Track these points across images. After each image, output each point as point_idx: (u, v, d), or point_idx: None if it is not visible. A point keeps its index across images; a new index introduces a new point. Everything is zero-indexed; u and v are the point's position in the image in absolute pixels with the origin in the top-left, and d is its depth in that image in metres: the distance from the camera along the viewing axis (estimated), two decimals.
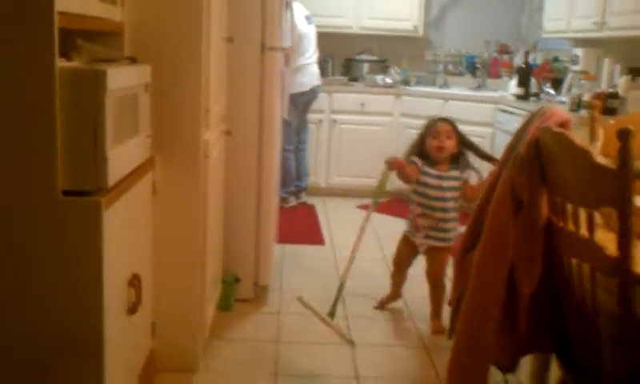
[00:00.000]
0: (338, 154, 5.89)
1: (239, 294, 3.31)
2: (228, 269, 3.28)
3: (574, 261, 1.73)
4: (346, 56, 6.33)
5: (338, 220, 5.20)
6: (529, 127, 1.94)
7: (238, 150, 3.24)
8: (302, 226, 4.96)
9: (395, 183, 5.81)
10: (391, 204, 5.85)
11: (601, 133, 2.43)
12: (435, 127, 3.26)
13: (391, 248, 4.45)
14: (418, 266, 3.41)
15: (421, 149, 3.30)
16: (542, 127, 1.84)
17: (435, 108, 5.67)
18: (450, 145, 3.22)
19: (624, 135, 1.49)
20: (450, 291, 2.23)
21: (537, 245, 1.86)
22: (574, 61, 4.81)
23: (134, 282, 2.08)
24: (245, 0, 3.19)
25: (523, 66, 5.15)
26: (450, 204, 3.23)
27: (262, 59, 3.26)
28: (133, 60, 2.28)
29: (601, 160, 1.56)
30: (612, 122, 2.69)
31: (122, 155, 1.92)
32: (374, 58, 6.30)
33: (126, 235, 2.02)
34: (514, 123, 4.80)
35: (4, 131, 1.68)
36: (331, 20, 5.82)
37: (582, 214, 1.68)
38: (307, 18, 5.24)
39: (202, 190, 2.51)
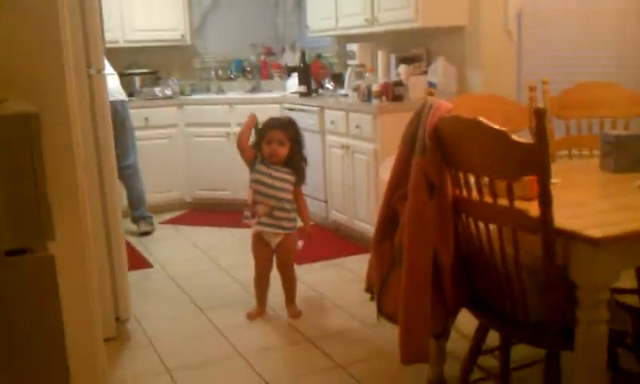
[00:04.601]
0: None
1: None
2: None
3: (491, 227, 2.02)
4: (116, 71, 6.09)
5: (151, 239, 5.07)
6: (421, 119, 2.18)
7: None
8: None
9: (195, 193, 5.88)
10: (192, 214, 5.85)
11: None
12: (269, 134, 3.40)
13: (220, 256, 4.54)
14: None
15: (258, 149, 3.44)
16: (441, 117, 2.10)
17: (223, 114, 5.78)
18: (282, 152, 3.39)
19: (539, 114, 1.80)
20: (368, 276, 2.40)
21: (450, 220, 2.13)
22: (350, 56, 5.26)
23: None
24: None
25: (301, 65, 5.48)
26: (282, 195, 3.41)
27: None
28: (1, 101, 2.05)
29: (517, 138, 1.86)
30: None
31: None
32: (145, 70, 6.17)
33: None
34: (308, 120, 5.12)
35: None
36: None
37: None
38: None
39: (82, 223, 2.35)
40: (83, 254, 2.34)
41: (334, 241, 4.90)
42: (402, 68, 4.64)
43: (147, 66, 6.24)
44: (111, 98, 4.99)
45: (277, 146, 3.37)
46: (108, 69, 5.05)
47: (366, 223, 4.60)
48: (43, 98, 2.19)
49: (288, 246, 3.45)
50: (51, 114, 2.22)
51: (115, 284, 3.21)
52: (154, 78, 6.18)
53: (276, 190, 3.39)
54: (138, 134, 5.49)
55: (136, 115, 5.59)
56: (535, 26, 4.35)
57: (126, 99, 5.14)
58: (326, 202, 5.11)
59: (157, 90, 5.91)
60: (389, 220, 2.23)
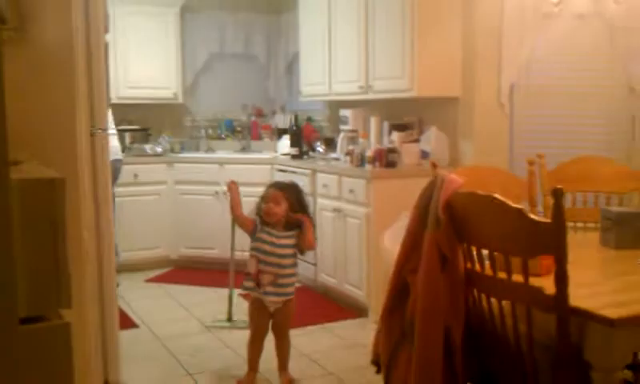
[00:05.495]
0: (117, 227, 5.61)
1: None
2: None
3: (504, 304, 2.02)
4: None
5: (136, 298, 4.98)
6: (433, 193, 2.19)
7: None
8: None
9: (180, 250, 5.81)
10: (177, 272, 5.78)
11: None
12: (266, 192, 3.40)
13: (207, 317, 4.47)
14: None
15: (259, 209, 3.42)
16: (454, 192, 2.12)
17: (212, 173, 5.78)
18: (278, 210, 3.36)
19: (557, 194, 1.83)
20: (374, 348, 2.37)
21: (461, 294, 2.13)
22: (343, 121, 5.33)
23: None
24: None
25: (294, 127, 5.53)
26: (286, 261, 3.37)
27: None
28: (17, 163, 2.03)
29: (535, 216, 1.88)
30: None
31: None
32: (136, 127, 6.17)
33: None
34: (299, 182, 5.04)
35: None
36: None
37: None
38: None
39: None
40: (84, 317, 2.29)
41: (323, 304, 4.86)
42: (395, 135, 4.70)
43: (138, 123, 6.24)
44: (112, 157, 5.01)
45: (272, 205, 3.34)
46: (111, 127, 5.08)
47: (357, 288, 4.58)
48: (55, 158, 2.18)
49: (287, 310, 3.40)
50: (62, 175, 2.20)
51: (106, 346, 3.13)
52: (145, 134, 6.18)
53: (279, 257, 3.34)
54: (126, 189, 5.49)
55: (125, 171, 5.54)
56: (527, 100, 4.45)
57: (122, 158, 5.15)
58: (315, 264, 5.09)
59: (147, 146, 5.91)
60: (399, 291, 2.22)
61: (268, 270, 3.33)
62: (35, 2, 2.02)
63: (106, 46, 3.13)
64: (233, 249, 4.25)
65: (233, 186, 3.49)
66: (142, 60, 6.00)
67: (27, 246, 1.50)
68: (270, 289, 3.34)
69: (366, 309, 4.53)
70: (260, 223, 3.39)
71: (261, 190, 5.46)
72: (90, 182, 3.05)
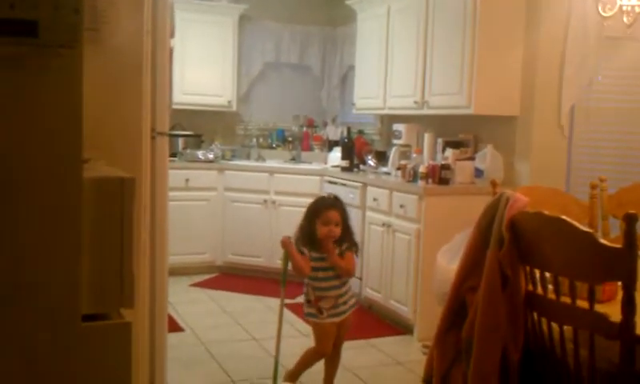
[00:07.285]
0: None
1: None
2: None
3: (566, 328, 1.96)
4: None
5: (181, 302, 5.01)
6: (497, 212, 2.15)
7: None
8: None
9: (226, 257, 5.83)
10: (222, 279, 5.81)
11: None
12: (326, 215, 3.30)
13: (251, 325, 4.47)
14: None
15: (309, 232, 3.34)
16: (520, 211, 2.07)
17: (262, 182, 5.81)
18: (339, 231, 3.31)
19: (630, 219, 1.77)
20: (426, 367, 2.33)
21: (521, 316, 2.07)
22: (396, 135, 5.29)
23: None
24: None
25: (346, 140, 5.52)
26: (339, 280, 3.34)
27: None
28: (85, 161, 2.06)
29: (605, 241, 1.82)
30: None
31: None
32: (190, 132, 6.25)
33: None
34: (349, 195, 5.11)
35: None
36: None
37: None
38: None
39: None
40: (137, 318, 2.31)
41: (367, 319, 4.82)
42: (449, 152, 4.65)
43: (191, 128, 6.32)
44: None
45: (334, 227, 3.30)
46: None
47: (402, 304, 4.53)
48: (120, 159, 2.20)
49: (348, 322, 3.39)
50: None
51: (153, 348, 3.14)
52: (198, 140, 6.25)
53: (333, 279, 3.30)
54: (177, 194, 5.49)
55: (177, 176, 5.60)
56: (587, 122, 4.35)
57: None
58: (360, 278, 5.04)
59: (199, 152, 5.97)
60: (456, 310, 2.18)
61: (326, 295, 3.29)
62: (109, 3, 2.06)
63: (171, 50, 3.17)
64: (282, 305, 3.45)
65: (286, 243, 3.34)
66: (198, 67, 6.07)
67: (95, 244, 1.51)
68: (332, 311, 3.30)
69: (410, 326, 4.48)
70: (309, 248, 3.31)
71: (308, 200, 5.51)
72: (148, 185, 3.09)
